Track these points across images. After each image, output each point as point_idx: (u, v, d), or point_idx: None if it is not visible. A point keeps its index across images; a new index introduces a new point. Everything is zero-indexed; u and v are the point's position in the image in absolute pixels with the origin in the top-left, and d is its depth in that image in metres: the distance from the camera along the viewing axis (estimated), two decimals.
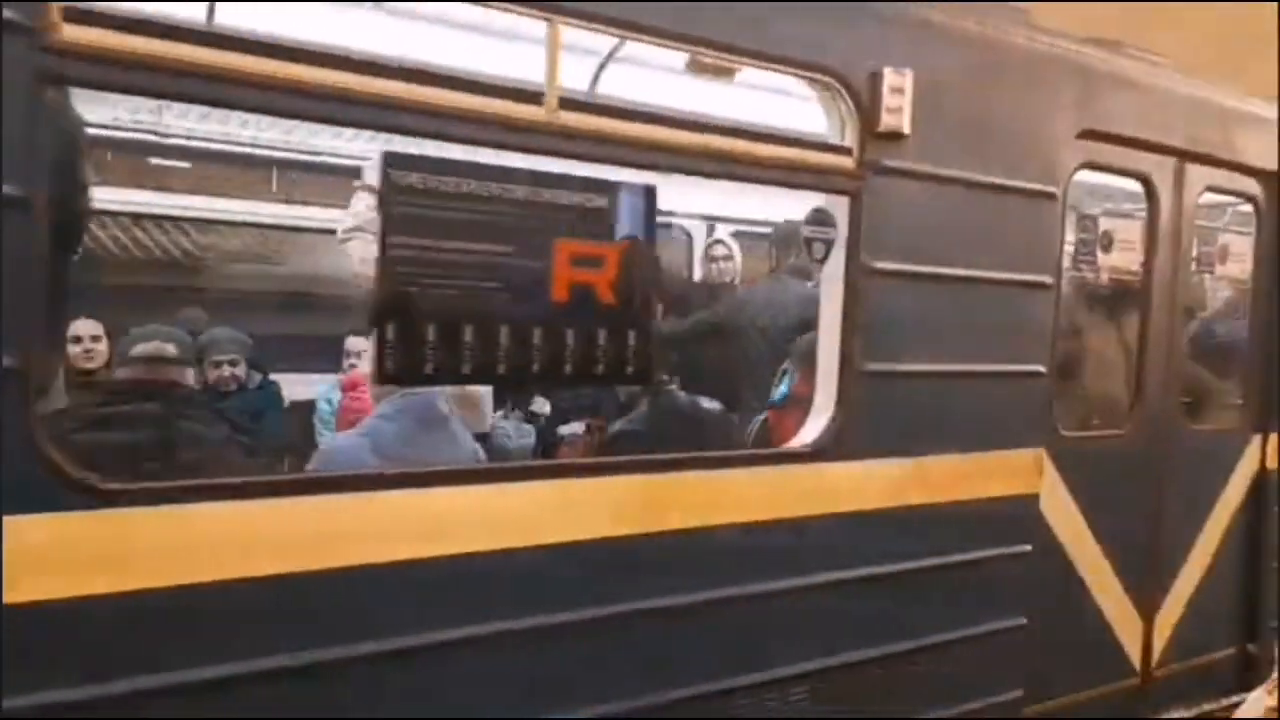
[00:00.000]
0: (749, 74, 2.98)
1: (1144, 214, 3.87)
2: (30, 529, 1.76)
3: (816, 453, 2.89)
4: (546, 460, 4.04)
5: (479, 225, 2.34)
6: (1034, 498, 3.46)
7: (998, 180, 3.21)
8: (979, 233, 3.20)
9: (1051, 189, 3.39)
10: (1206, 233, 4.32)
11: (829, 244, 2.89)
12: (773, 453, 2.93)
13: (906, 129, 2.92)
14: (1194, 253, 4.19)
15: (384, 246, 2.27)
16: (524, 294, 2.37)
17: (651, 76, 3.80)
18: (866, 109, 2.87)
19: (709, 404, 3.69)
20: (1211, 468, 4.20)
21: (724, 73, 3.15)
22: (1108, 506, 3.76)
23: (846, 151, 2.90)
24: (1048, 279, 3.41)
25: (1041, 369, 3.42)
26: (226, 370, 4.53)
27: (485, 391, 3.56)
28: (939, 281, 3.10)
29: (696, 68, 3.24)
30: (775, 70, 2.86)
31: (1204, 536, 4.17)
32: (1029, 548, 3.45)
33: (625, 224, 2.55)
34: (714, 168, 2.72)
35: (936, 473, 3.13)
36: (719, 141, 2.68)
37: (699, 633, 2.67)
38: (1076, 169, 3.53)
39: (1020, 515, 3.41)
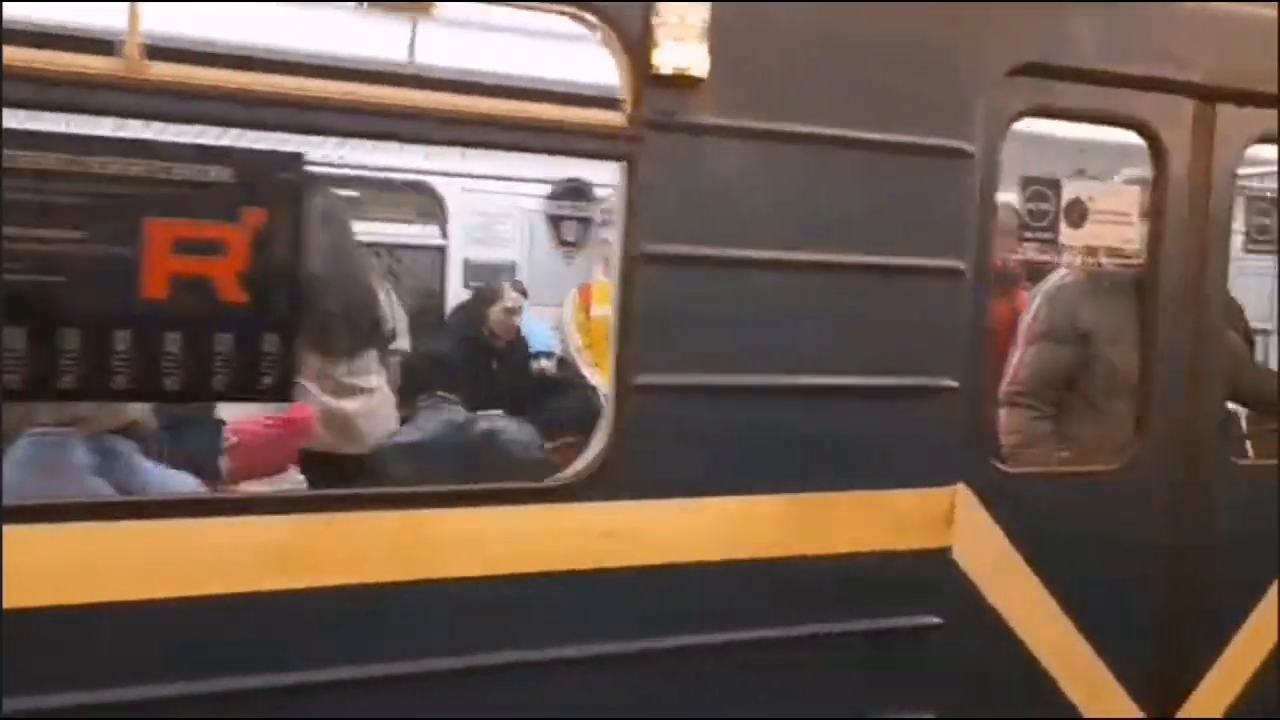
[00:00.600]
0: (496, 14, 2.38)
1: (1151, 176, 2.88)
2: None
3: (574, 489, 2.26)
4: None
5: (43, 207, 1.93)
6: (941, 553, 2.62)
7: (859, 134, 2.41)
8: (831, 205, 2.43)
9: (961, 145, 2.54)
10: (1261, 201, 3.20)
11: (585, 223, 2.26)
12: (510, 489, 2.31)
13: (702, 71, 2.23)
14: (1238, 227, 3.11)
15: None
16: (107, 288, 1.93)
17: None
18: (639, 48, 2.20)
19: (503, 425, 3.04)
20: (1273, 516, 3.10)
21: (420, 9, 2.56)
22: (1090, 568, 2.83)
23: (615, 104, 2.25)
24: (957, 264, 2.56)
25: (951, 382, 2.58)
26: None
27: None
28: (766, 269, 2.37)
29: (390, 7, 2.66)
30: (520, 5, 2.27)
31: (1259, 614, 3.08)
32: (936, 620, 2.62)
33: (259, 200, 2.04)
34: (417, 129, 2.17)
35: (767, 517, 2.40)
36: (422, 97, 2.12)
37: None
38: (1013, 118, 2.65)
39: (917, 576, 2.59)
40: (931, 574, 2.60)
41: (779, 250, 2.37)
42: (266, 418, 3.03)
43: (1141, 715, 2.91)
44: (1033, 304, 3.48)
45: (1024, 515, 2.74)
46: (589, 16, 2.21)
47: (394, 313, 3.41)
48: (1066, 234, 2.82)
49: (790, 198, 2.38)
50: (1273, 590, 3.07)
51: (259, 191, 1.99)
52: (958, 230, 2.55)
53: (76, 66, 1.87)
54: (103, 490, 2.16)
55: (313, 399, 3.24)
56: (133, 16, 1.87)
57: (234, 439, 2.89)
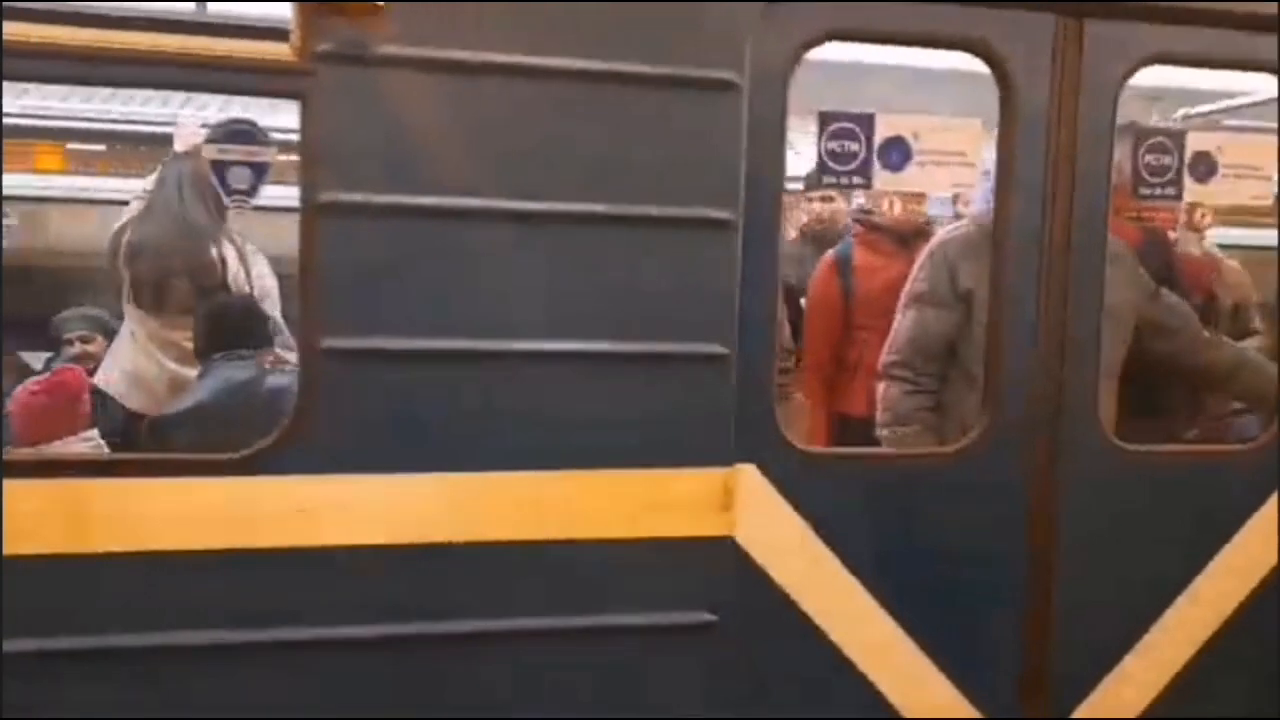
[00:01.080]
0: None
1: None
2: None
3: (258, 461, 2.07)
4: None
5: None
6: (718, 541, 2.31)
7: (579, 64, 2.11)
8: (558, 146, 2.14)
9: (727, 75, 2.20)
10: (1158, 135, 2.69)
11: (258, 171, 2.06)
12: (193, 460, 2.14)
13: None
14: (1131, 167, 2.63)
15: None
16: None
17: None
18: None
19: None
20: (1182, 511, 2.63)
21: None
22: (917, 565, 2.47)
23: (282, 35, 2.03)
24: (723, 214, 2.23)
25: (720, 349, 2.25)
26: None
27: None
28: (475, 220, 2.11)
29: None
30: None
31: (1165, 627, 2.61)
32: (710, 617, 2.32)
33: None
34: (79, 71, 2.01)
35: (484, 496, 2.15)
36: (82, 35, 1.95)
37: None
38: (805, 44, 2.28)
39: (688, 565, 2.29)
40: (705, 565, 2.30)
41: (490, 199, 2.10)
42: (34, 383, 2.98)
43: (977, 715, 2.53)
44: (917, 263, 3.08)
45: (834, 503, 2.40)
46: None
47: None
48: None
49: (503, 139, 2.11)
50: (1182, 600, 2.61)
51: None
52: (725, 175, 2.21)
53: None
54: None
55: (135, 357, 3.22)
56: None
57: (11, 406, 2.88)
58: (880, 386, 3.07)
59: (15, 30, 1.89)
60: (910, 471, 2.55)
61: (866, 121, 2.38)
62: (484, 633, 2.19)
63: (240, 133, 2.14)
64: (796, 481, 2.36)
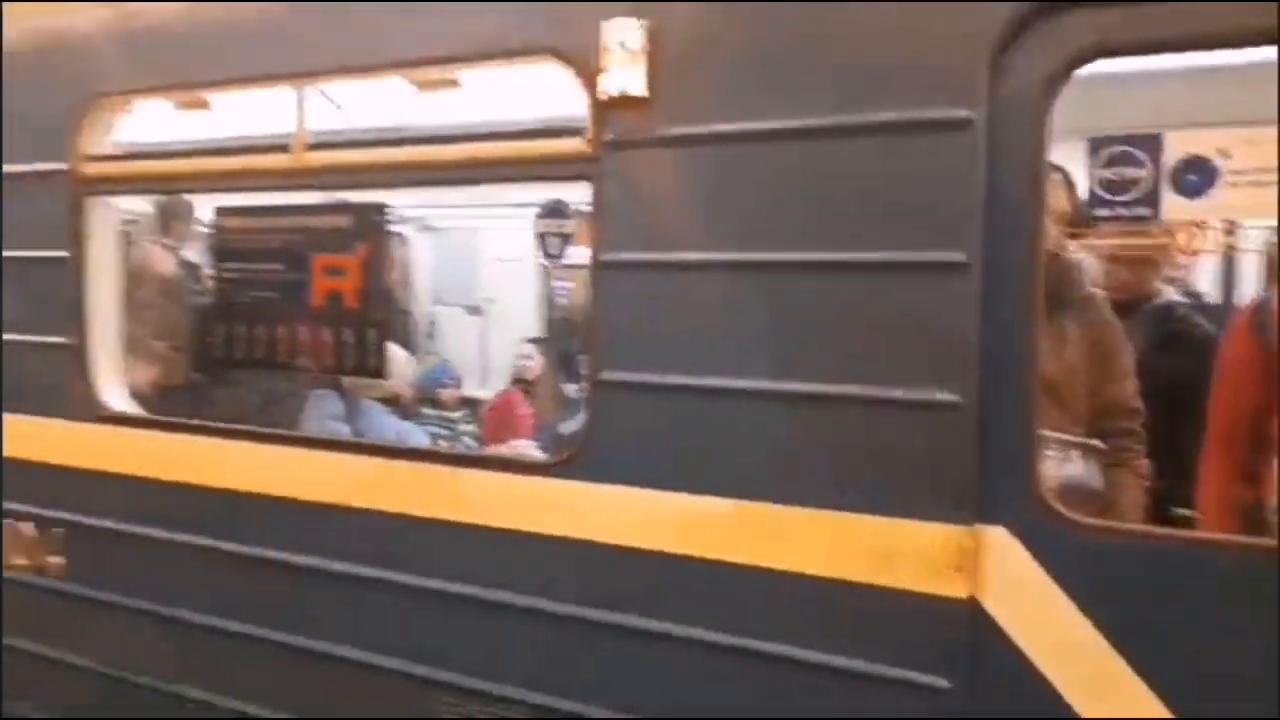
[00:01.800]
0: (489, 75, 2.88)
1: None
2: None
3: (558, 467, 2.60)
4: None
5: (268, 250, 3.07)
6: (955, 603, 2.16)
7: (811, 122, 2.25)
8: (782, 199, 2.30)
9: (956, 113, 2.13)
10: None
11: (564, 238, 2.58)
12: (518, 461, 2.70)
13: (642, 90, 2.40)
14: None
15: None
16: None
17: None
18: (589, 76, 2.47)
19: None
20: None
21: (449, 84, 3.00)
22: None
23: (576, 131, 2.54)
24: (954, 256, 2.14)
25: (950, 397, 2.15)
26: None
27: None
28: (722, 271, 2.36)
29: (425, 86, 3.11)
30: (497, 64, 2.74)
31: None
32: (945, 684, 2.17)
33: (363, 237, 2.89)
34: (448, 175, 2.78)
35: (720, 519, 2.36)
36: (447, 151, 2.75)
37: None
38: (1068, 64, 2.09)
39: (916, 621, 2.19)
40: (937, 624, 2.18)
41: (734, 252, 2.36)
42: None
43: None
44: None
45: (1111, 581, 2.09)
46: (544, 56, 2.57)
47: None
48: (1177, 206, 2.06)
49: (746, 197, 2.35)
50: None
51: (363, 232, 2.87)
52: (953, 215, 2.14)
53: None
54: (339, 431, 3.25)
55: None
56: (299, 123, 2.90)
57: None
58: None
59: (422, 153, 2.75)
60: (1218, 561, 2.07)
61: (1151, 143, 2.08)
62: (705, 642, 2.38)
63: (552, 208, 2.75)
64: (1062, 551, 2.11)
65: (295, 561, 2.95)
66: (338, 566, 2.87)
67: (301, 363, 3.04)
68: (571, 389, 4.77)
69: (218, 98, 3.15)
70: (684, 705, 2.43)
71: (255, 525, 3.03)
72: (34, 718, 3.03)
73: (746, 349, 2.35)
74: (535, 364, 5.07)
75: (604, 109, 2.46)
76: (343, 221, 2.92)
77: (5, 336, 3.62)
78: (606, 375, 2.51)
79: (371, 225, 2.89)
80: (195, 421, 3.20)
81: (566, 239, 3.02)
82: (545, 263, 3.30)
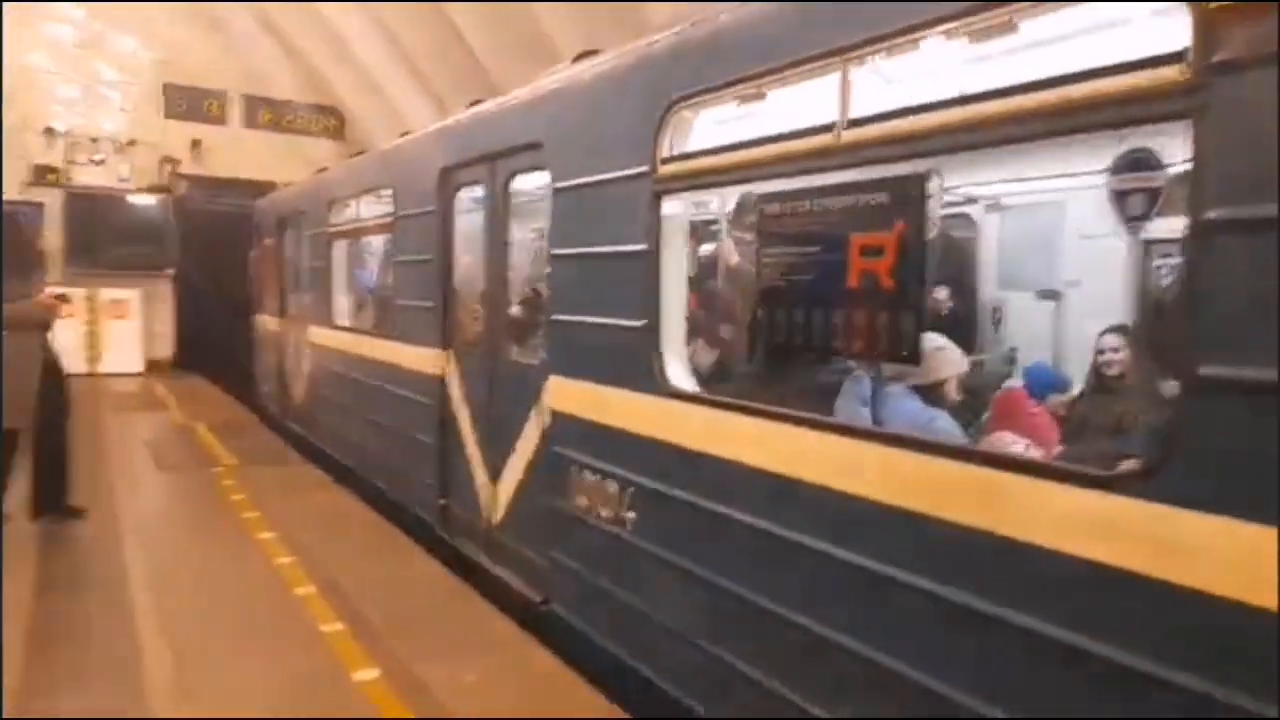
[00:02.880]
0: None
1: None
2: None
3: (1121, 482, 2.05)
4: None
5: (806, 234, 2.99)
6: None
7: None
8: None
9: None
10: None
11: (1152, 194, 2.00)
12: (1078, 472, 2.13)
13: None
14: None
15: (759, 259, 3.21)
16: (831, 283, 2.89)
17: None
18: None
19: None
20: None
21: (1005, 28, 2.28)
22: None
23: (1169, 59, 1.93)
24: None
25: None
26: None
27: None
28: None
29: (979, 37, 2.35)
30: None
31: None
32: None
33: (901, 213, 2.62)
34: (1004, 133, 2.36)
35: None
36: (1002, 105, 2.33)
37: None
38: None
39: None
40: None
41: None
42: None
43: None
44: None
45: None
46: None
47: None
48: None
49: None
50: None
51: (901, 208, 2.66)
52: None
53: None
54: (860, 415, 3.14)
55: None
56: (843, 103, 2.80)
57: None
58: None
59: (975, 112, 2.42)
60: None
61: None
62: None
63: (1138, 161, 2.14)
64: None
65: (815, 547, 2.86)
66: (859, 560, 2.70)
67: (839, 346, 2.93)
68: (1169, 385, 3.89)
69: (775, 90, 3.17)
70: None
71: (789, 507, 3.02)
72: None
73: None
74: (1120, 356, 4.27)
75: (1211, 22, 1.85)
76: (880, 198, 2.72)
77: (588, 318, 4.26)
78: (1207, 370, 1.90)
79: (910, 200, 2.64)
80: (742, 402, 3.31)
81: (1154, 197, 2.38)
82: (1131, 233, 2.68)
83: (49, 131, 15.44)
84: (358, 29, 13.93)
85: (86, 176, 15.73)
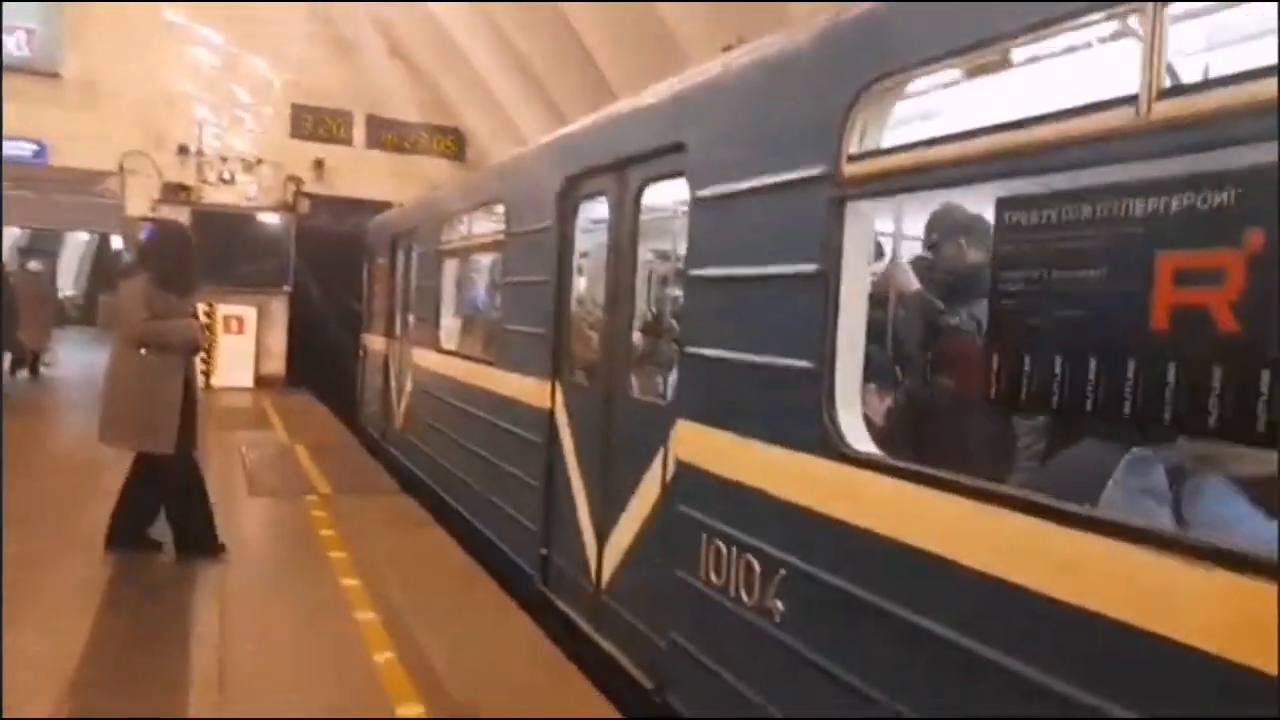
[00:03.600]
0: None
1: None
2: None
3: None
4: None
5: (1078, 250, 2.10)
6: None
7: None
8: None
9: None
10: None
11: None
12: None
13: None
14: None
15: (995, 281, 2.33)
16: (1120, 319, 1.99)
17: None
18: None
19: None
20: None
21: None
22: None
23: None
24: None
25: None
26: None
27: None
28: None
29: None
30: None
31: None
32: None
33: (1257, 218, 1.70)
34: None
35: None
36: None
37: None
38: None
39: None
40: None
41: None
42: None
43: None
44: None
45: None
46: None
47: None
48: None
49: None
50: None
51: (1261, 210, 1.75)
52: None
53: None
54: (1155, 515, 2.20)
55: None
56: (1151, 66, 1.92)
57: None
58: None
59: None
60: None
61: None
62: None
63: None
64: None
65: (1081, 700, 1.96)
66: None
67: (1120, 410, 2.03)
68: None
69: (1019, 55, 2.34)
70: None
71: (1030, 635, 2.14)
72: None
73: None
74: None
75: None
76: (1215, 198, 1.83)
77: (733, 354, 3.45)
78: None
79: (1267, 202, 1.75)
80: (955, 478, 2.43)
81: None
82: None
83: (182, 150, 15.77)
84: (477, 45, 13.70)
85: (216, 195, 15.98)
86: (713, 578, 3.55)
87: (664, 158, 4.23)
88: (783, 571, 3.14)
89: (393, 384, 10.19)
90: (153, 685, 4.06)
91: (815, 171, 3.03)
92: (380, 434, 10.71)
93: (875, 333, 3.39)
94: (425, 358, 8.60)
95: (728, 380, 3.56)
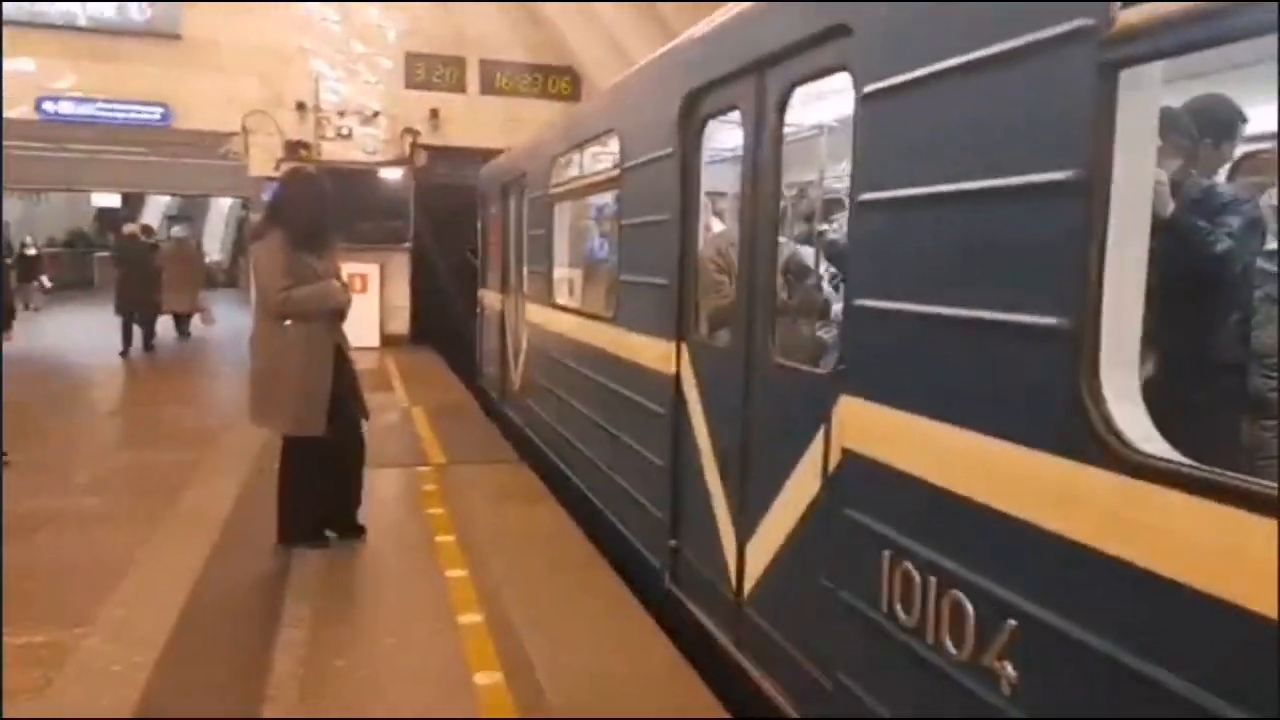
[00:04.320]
0: None
1: None
2: None
3: None
4: None
5: None
6: None
7: None
8: None
9: None
10: None
11: None
12: None
13: None
14: None
15: None
16: None
17: None
18: None
19: None
20: None
21: None
22: None
23: None
24: None
25: None
26: None
27: None
28: None
29: None
30: None
31: None
32: None
33: None
34: None
35: None
36: None
37: None
38: None
39: None
40: None
41: None
42: None
43: None
44: None
45: None
46: None
47: None
48: None
49: None
50: None
51: None
52: None
53: None
54: None
55: None
56: None
57: None
58: None
59: None
60: None
61: None
62: None
63: None
64: None
65: None
66: None
67: None
68: None
69: None
70: None
71: None
72: None
73: None
74: None
75: None
76: None
77: (927, 307, 2.45)
78: None
79: None
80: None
81: None
82: None
83: (300, 106, 15.54)
84: None
85: (335, 151, 15.73)
86: (899, 613, 2.62)
87: (817, 49, 3.20)
88: (1013, 624, 2.17)
89: (509, 342, 9.56)
90: (226, 696, 3.55)
91: (1068, 27, 1.98)
92: (499, 395, 10.14)
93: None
94: (539, 314, 7.87)
95: (920, 344, 2.57)
